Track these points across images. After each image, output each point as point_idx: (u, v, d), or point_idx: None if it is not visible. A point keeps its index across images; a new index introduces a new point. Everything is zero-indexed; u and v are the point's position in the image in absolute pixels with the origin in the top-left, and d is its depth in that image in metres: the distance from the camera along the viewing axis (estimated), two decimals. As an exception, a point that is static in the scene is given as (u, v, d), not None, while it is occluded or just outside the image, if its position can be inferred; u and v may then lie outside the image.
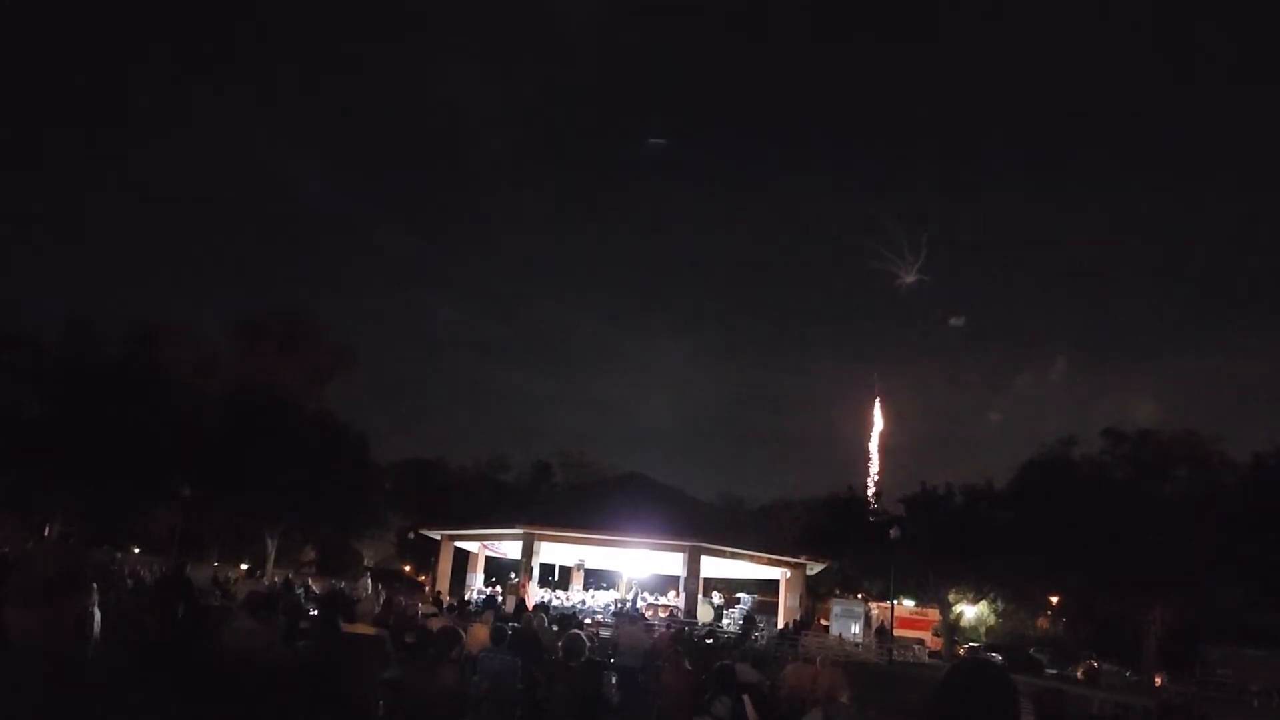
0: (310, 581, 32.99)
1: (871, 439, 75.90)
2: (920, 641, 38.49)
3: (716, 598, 32.69)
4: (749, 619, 28.64)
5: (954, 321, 72.17)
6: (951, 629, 43.41)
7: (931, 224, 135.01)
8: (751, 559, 32.09)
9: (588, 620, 22.82)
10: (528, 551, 29.33)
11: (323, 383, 54.90)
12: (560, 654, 8.24)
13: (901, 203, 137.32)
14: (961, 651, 38.10)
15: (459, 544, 35.23)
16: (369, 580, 30.15)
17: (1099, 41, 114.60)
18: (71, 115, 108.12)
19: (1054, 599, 43.59)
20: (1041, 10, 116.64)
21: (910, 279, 73.30)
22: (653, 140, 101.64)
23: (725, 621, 28.59)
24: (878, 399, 78.13)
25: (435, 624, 10.59)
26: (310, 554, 54.13)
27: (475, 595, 29.78)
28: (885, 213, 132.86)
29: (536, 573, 30.38)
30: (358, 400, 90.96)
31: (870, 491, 58.91)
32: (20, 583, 1.98)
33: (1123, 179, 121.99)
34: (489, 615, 14.11)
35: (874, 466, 73.24)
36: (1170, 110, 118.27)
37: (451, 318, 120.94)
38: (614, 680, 8.80)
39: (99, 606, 2.09)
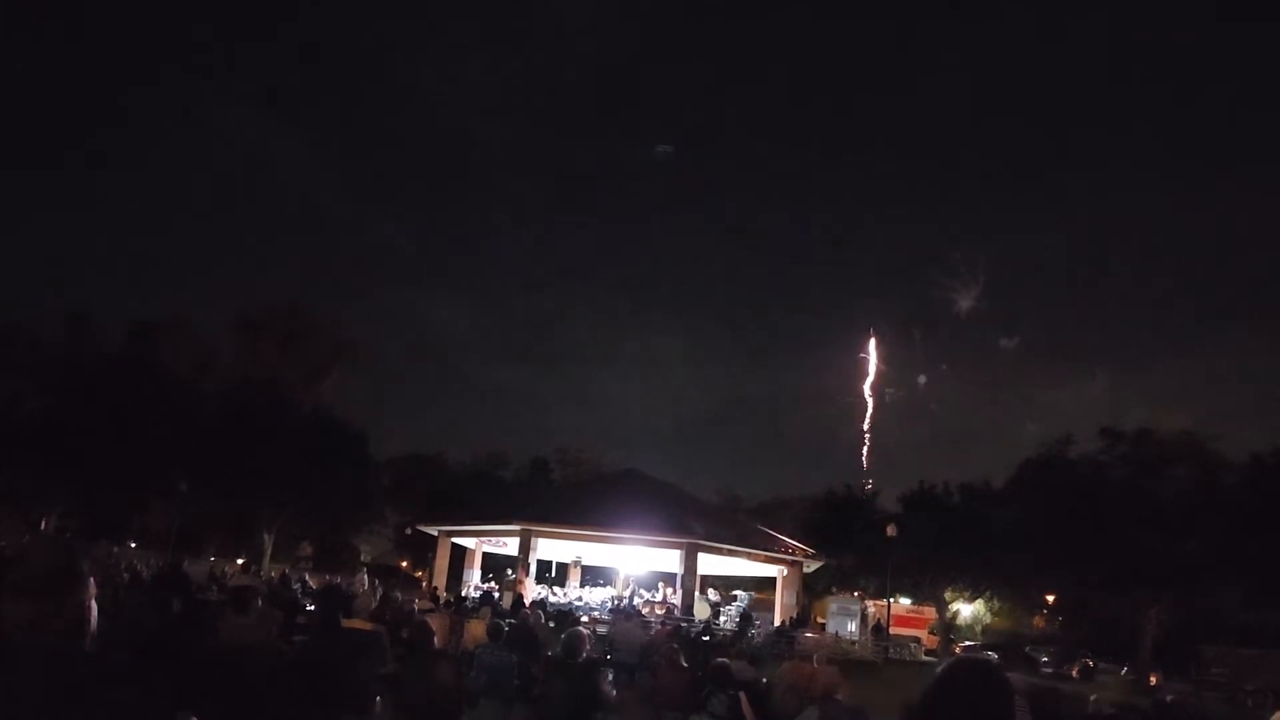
0: (307, 577, 32.99)
1: (868, 437, 76.01)
2: (916, 639, 38.50)
3: (713, 595, 32.66)
4: (745, 616, 28.58)
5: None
6: (948, 627, 43.46)
7: (930, 223, 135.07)
8: (749, 556, 32.08)
9: (584, 617, 22.80)
10: (525, 548, 29.31)
11: (321, 379, 54.81)
12: (560, 650, 8.25)
13: (900, 204, 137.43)
14: (957, 649, 38.13)
15: (456, 540, 35.19)
16: (366, 576, 30.11)
17: (1097, 40, 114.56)
18: (72, 112, 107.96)
19: (1050, 597, 43.62)
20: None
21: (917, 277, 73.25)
22: (660, 148, 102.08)
23: (722, 619, 28.56)
24: (874, 395, 78.24)
25: (435, 621, 10.60)
26: (307, 549, 54.09)
27: (472, 591, 29.77)
28: (887, 213, 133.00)
29: (534, 569, 30.36)
30: (357, 397, 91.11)
31: (865, 484, 58.92)
32: (18, 577, 1.98)
33: (1122, 178, 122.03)
34: (486, 611, 14.13)
35: (871, 464, 73.33)
36: (1170, 110, 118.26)
37: (451, 316, 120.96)
38: (611, 677, 8.79)
39: (96, 601, 2.09)
